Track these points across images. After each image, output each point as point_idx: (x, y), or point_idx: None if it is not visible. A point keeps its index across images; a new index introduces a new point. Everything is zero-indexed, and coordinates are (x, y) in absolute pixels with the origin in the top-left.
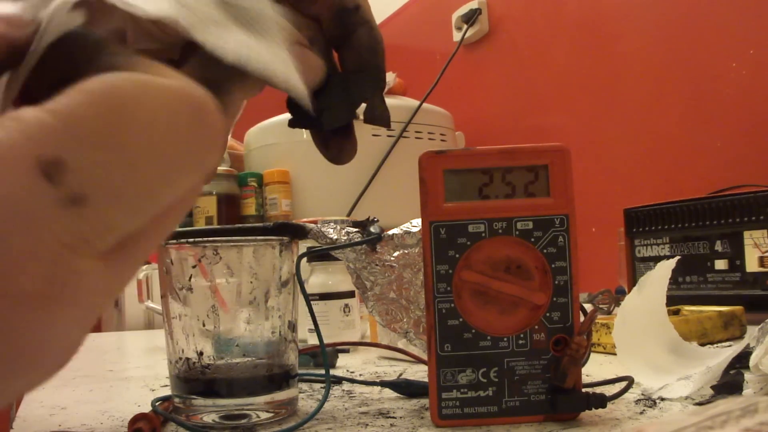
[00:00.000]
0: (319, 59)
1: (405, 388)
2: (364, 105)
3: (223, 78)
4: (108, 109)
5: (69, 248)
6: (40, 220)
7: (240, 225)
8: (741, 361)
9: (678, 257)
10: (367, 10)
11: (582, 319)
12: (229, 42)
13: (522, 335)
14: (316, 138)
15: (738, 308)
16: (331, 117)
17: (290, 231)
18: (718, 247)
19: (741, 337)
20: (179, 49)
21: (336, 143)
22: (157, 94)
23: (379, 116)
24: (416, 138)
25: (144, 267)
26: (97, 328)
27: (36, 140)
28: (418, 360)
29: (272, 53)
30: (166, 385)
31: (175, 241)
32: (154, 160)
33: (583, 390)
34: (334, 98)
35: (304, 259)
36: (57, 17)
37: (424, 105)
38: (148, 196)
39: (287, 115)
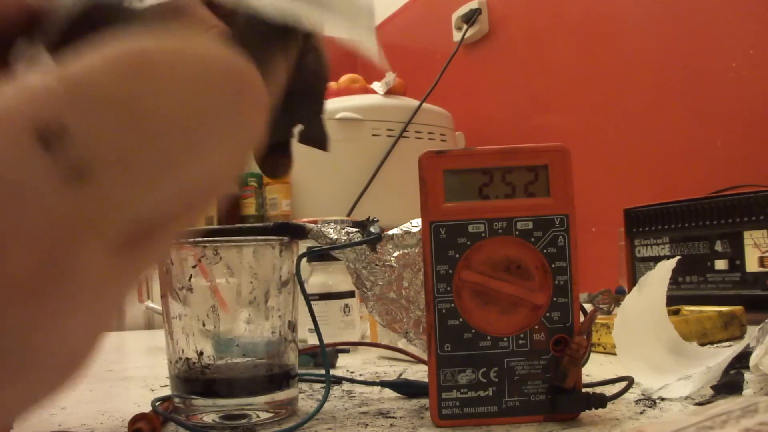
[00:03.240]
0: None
1: (405, 388)
2: (301, 126)
3: (264, 49)
4: (129, 73)
5: (70, 230)
6: (35, 194)
7: (240, 225)
8: (741, 361)
9: (678, 257)
10: (318, 38)
11: (582, 319)
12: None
13: (522, 335)
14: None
15: (738, 308)
16: (268, 133)
17: (290, 231)
18: (718, 247)
19: (741, 337)
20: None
21: (272, 159)
22: (191, 62)
23: (314, 138)
24: (416, 138)
25: None
26: None
27: (34, 103)
28: (418, 360)
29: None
30: (166, 385)
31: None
32: (178, 130)
33: (583, 390)
34: (274, 116)
35: (304, 259)
36: None
37: (424, 105)
38: (165, 170)
39: None
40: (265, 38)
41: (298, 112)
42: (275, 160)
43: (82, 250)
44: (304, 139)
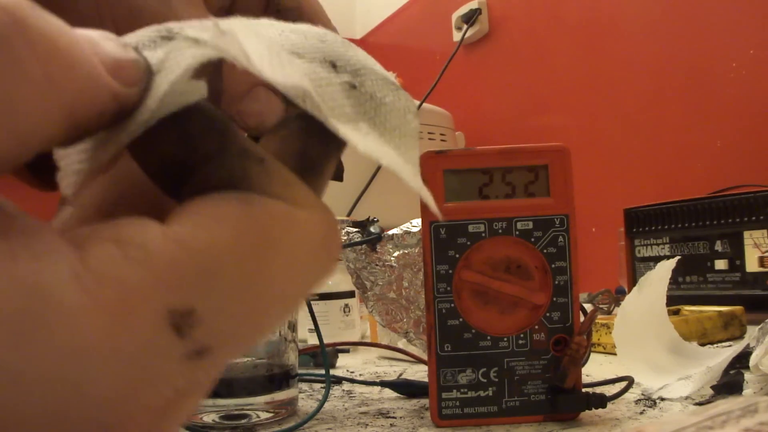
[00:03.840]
0: (281, 102)
1: (405, 388)
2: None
3: (318, 155)
4: (249, 249)
5: (182, 395)
6: (161, 375)
7: None
8: (741, 361)
9: (678, 257)
10: None
11: (582, 319)
12: (360, 136)
13: (522, 335)
14: None
15: (738, 308)
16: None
17: None
18: (718, 247)
19: (741, 337)
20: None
21: None
22: (299, 231)
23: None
24: None
25: None
26: None
27: (168, 286)
28: (418, 360)
29: (405, 158)
30: None
31: None
32: (284, 299)
33: (583, 390)
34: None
35: None
36: (177, 81)
37: (424, 105)
38: (268, 332)
39: None
40: (319, 146)
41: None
42: None
43: (187, 403)
44: None
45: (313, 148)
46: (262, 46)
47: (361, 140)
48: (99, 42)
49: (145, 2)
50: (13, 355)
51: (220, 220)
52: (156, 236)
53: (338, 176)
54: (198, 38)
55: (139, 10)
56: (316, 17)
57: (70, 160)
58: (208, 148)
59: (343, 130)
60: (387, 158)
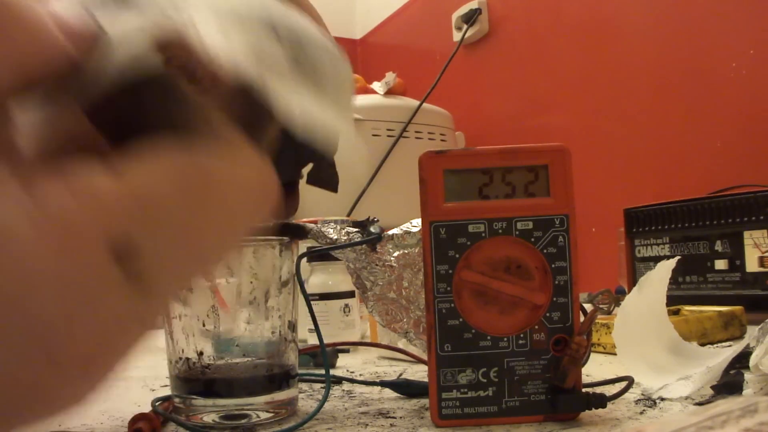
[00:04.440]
0: None
1: (405, 388)
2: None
3: (266, 123)
4: (190, 194)
5: (122, 325)
6: (102, 300)
7: None
8: (741, 361)
9: (678, 257)
10: None
11: (582, 319)
12: (299, 111)
13: (522, 335)
14: None
15: (738, 308)
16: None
17: (290, 231)
18: (718, 247)
19: (741, 337)
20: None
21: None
22: (236, 183)
23: (324, 180)
24: (416, 138)
25: None
26: None
27: (110, 219)
28: (418, 360)
29: (343, 120)
30: (166, 385)
31: None
32: (218, 241)
33: (583, 390)
34: (282, 154)
35: (304, 259)
36: (134, 50)
37: (424, 105)
38: (204, 270)
39: None
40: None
41: (309, 150)
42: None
43: (130, 334)
44: (314, 181)
45: (259, 114)
46: (211, 21)
47: (302, 106)
48: (54, 4)
49: None
50: None
51: (161, 161)
52: (100, 174)
53: (333, 187)
54: (157, 13)
55: None
56: (310, 16)
57: (28, 116)
58: (162, 117)
59: (286, 100)
60: (325, 119)
